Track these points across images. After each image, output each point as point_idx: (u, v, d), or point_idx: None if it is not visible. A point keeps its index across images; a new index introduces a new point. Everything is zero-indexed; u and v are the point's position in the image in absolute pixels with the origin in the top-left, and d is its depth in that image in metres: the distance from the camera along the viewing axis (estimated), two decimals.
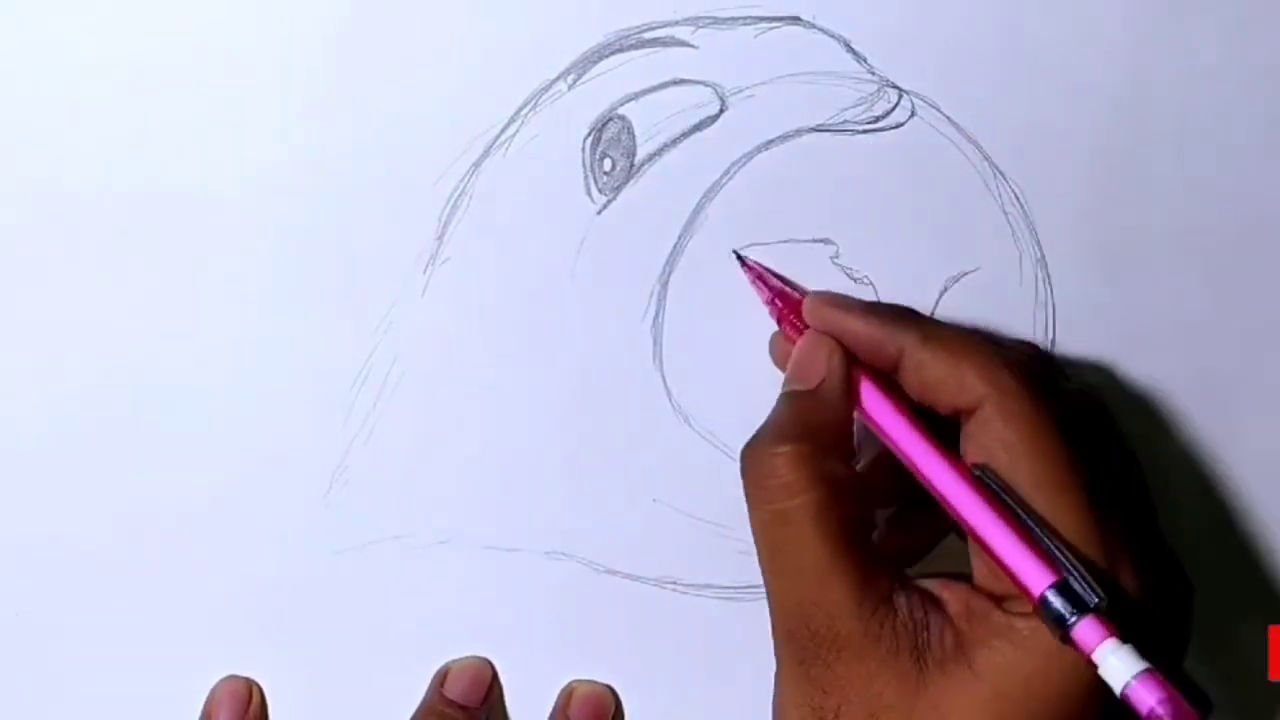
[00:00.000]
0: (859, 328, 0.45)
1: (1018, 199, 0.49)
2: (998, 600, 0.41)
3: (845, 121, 0.49)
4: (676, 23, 0.48)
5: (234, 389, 0.48)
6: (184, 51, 0.47)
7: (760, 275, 0.48)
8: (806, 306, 0.46)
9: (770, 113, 0.48)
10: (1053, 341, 0.49)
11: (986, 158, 0.49)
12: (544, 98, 0.48)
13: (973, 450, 0.42)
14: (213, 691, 0.49)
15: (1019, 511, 0.41)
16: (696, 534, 0.49)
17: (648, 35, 0.48)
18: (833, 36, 0.48)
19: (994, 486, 0.41)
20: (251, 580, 0.49)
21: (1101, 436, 0.46)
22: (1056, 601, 0.39)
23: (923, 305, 0.49)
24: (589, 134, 0.48)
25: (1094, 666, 0.38)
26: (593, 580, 0.49)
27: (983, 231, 0.49)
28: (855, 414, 0.45)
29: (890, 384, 0.45)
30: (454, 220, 0.48)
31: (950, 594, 0.42)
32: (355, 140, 0.48)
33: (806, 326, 0.46)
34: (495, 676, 0.50)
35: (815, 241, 0.49)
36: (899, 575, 0.43)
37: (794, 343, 0.46)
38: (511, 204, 0.48)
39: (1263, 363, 0.50)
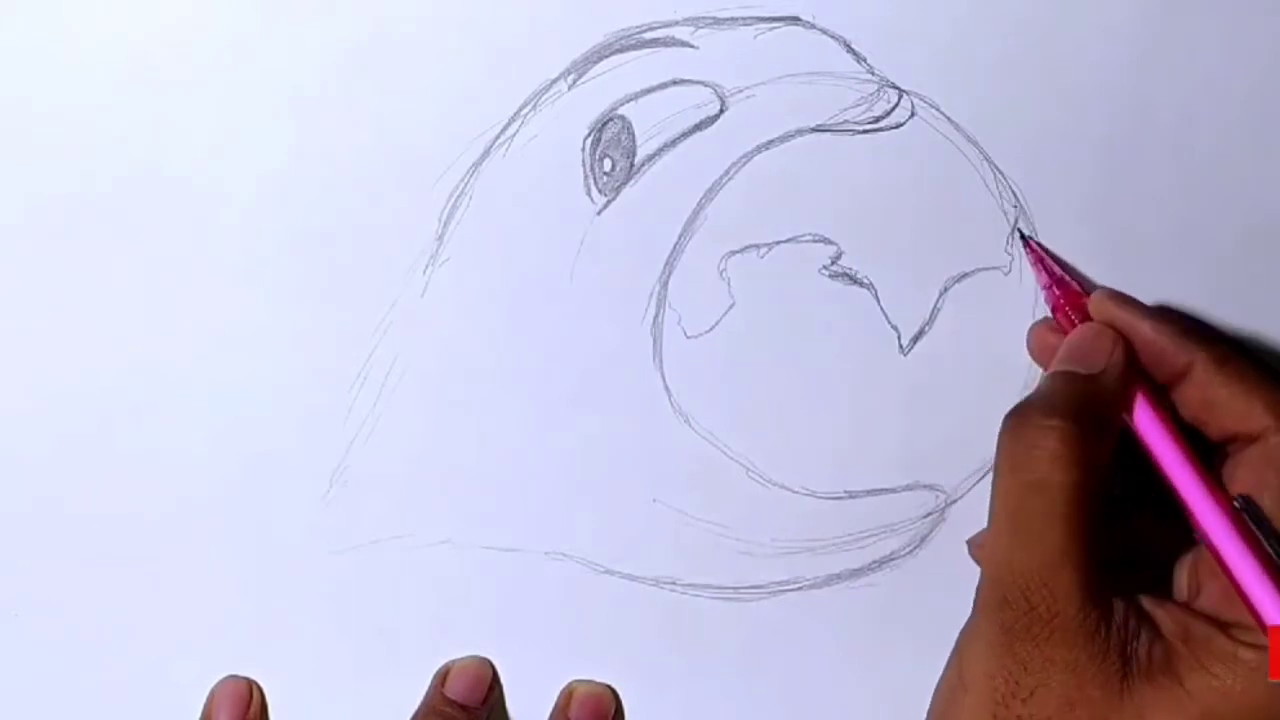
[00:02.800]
0: (1148, 332, 0.45)
1: (1018, 199, 0.49)
2: (1222, 626, 0.42)
3: (845, 122, 0.48)
4: (676, 23, 0.48)
5: (233, 389, 0.48)
6: (182, 52, 0.47)
7: (1042, 259, 0.48)
8: (1094, 300, 0.46)
9: (770, 113, 0.48)
10: None
11: (986, 158, 0.49)
12: (544, 98, 0.48)
13: (1242, 476, 0.43)
14: (213, 691, 0.49)
15: (1276, 544, 0.41)
16: (696, 534, 0.49)
17: (647, 35, 0.48)
18: (832, 37, 0.48)
19: (1254, 518, 0.42)
20: (251, 580, 0.49)
21: None
22: None
23: (923, 305, 0.49)
24: (589, 134, 0.48)
25: None
26: (592, 580, 0.49)
27: (983, 232, 0.49)
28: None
29: (1162, 398, 0.45)
30: (454, 220, 0.48)
31: (1166, 613, 0.42)
32: (355, 141, 0.48)
33: (1084, 319, 0.46)
34: (496, 676, 0.50)
35: (815, 241, 0.49)
36: (1120, 580, 0.43)
37: (1063, 333, 0.46)
38: (511, 204, 0.48)
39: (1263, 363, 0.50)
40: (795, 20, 0.48)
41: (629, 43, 0.48)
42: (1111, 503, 0.44)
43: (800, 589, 0.49)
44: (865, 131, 0.49)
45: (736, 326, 0.49)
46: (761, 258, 0.49)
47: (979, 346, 0.49)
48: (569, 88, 0.48)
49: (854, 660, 0.49)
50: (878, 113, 0.49)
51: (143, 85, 0.47)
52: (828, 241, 0.49)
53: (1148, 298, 0.49)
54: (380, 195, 0.48)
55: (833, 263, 0.49)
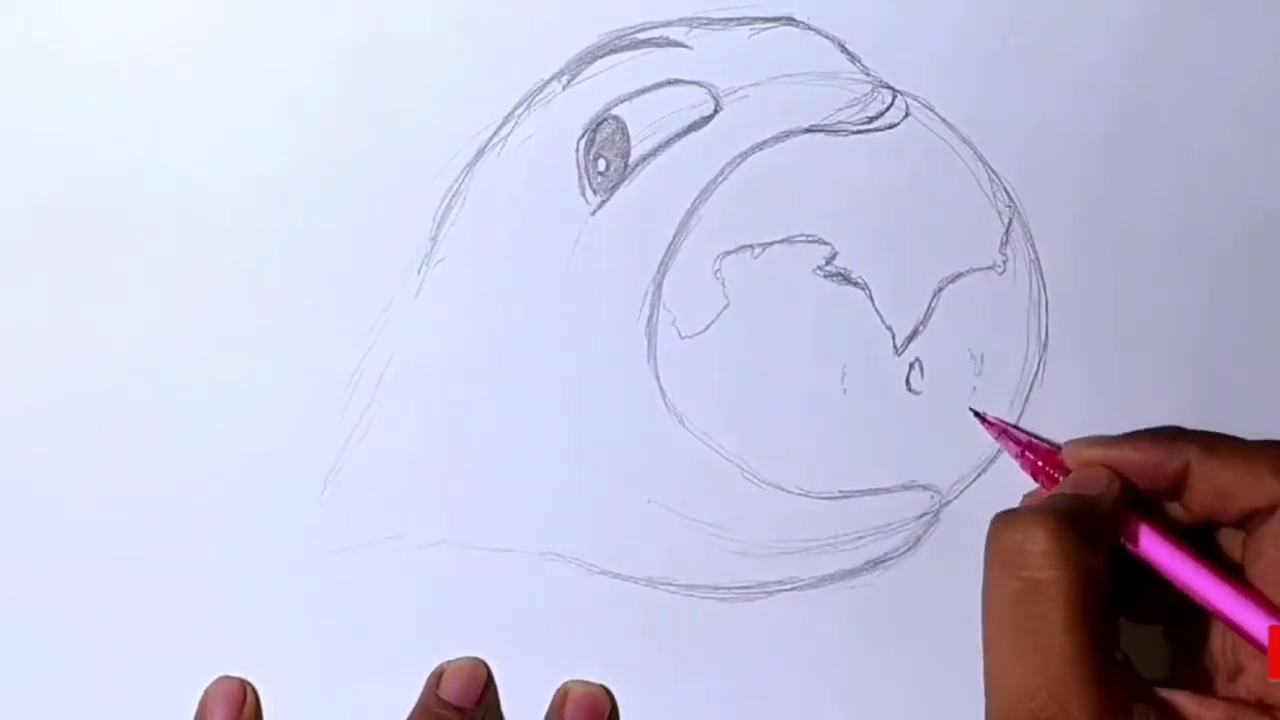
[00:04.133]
0: (1132, 453, 0.45)
1: (1012, 200, 0.49)
2: (1269, 710, 0.41)
3: (839, 122, 0.48)
4: (670, 23, 0.48)
5: (228, 389, 0.48)
6: (177, 53, 0.47)
7: (1006, 430, 0.48)
8: (1068, 451, 0.46)
9: (764, 113, 0.48)
10: (1046, 343, 0.49)
11: (981, 158, 0.49)
12: (538, 99, 0.48)
13: (1268, 549, 0.43)
14: (207, 691, 0.49)
15: None
16: (690, 534, 0.49)
17: (641, 36, 0.48)
18: (827, 37, 0.48)
19: None
20: (246, 580, 0.49)
21: None
22: None
23: (917, 306, 0.49)
24: (583, 135, 0.48)
25: None
26: (587, 581, 0.49)
27: (977, 232, 0.49)
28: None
29: (1164, 521, 0.45)
30: (448, 221, 0.48)
31: (1204, 709, 0.41)
32: (350, 141, 0.48)
33: (1065, 473, 0.46)
34: (490, 677, 0.50)
35: (810, 242, 0.49)
36: (1139, 683, 0.41)
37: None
38: (505, 205, 0.48)
39: (1260, 364, 0.50)
40: (790, 20, 0.48)
41: (623, 43, 0.48)
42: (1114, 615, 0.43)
43: (795, 589, 0.49)
44: (859, 132, 0.49)
45: (731, 327, 0.49)
46: (756, 258, 0.49)
47: (973, 346, 0.49)
48: (563, 88, 0.48)
49: (849, 660, 0.49)
50: (872, 113, 0.49)
51: (139, 85, 0.47)
52: (822, 242, 0.49)
53: (1144, 298, 0.50)
54: (374, 196, 0.48)
55: (827, 263, 0.49)
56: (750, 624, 0.50)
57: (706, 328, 0.49)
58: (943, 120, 0.49)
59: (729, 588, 0.50)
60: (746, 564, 0.49)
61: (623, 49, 0.48)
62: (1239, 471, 0.43)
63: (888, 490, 0.49)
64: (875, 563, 0.49)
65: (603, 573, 0.49)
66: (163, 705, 0.49)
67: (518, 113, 0.48)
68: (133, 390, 0.48)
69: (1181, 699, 0.41)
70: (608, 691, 0.50)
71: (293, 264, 0.48)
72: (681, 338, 0.49)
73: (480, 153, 0.48)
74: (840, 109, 0.48)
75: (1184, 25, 0.49)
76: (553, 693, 0.50)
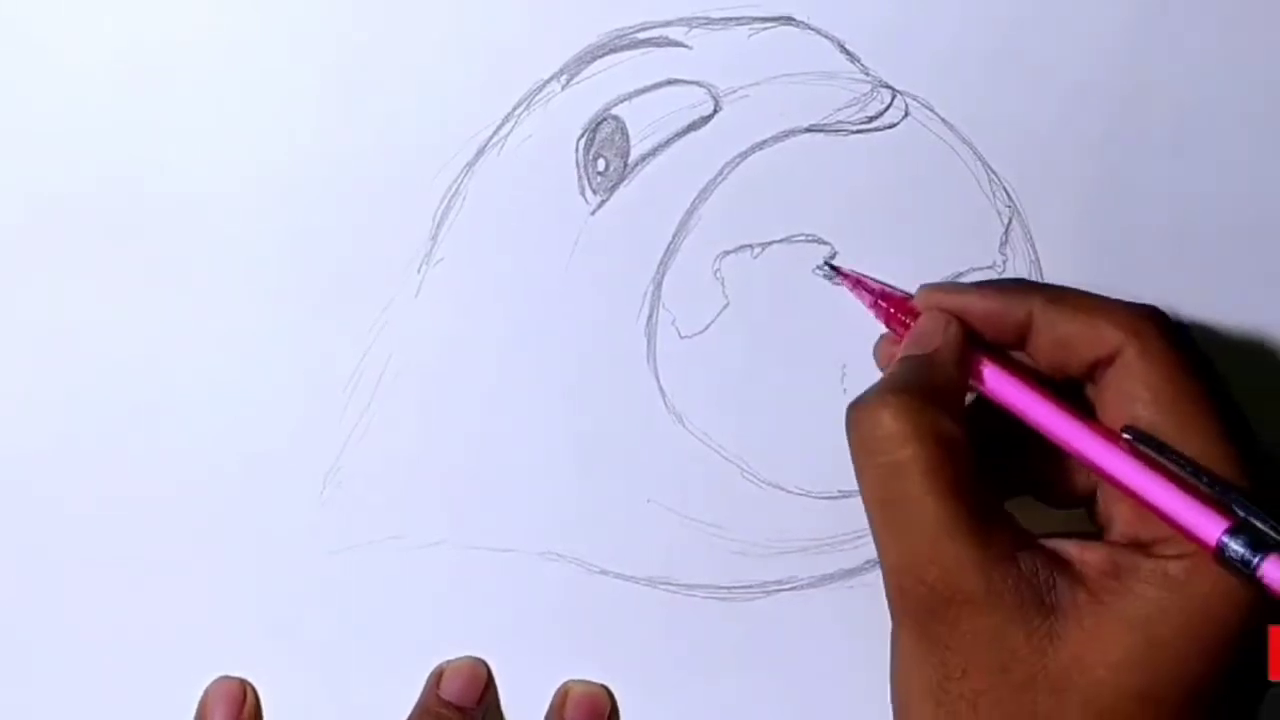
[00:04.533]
0: (978, 303, 0.44)
1: (1011, 200, 0.49)
2: (1142, 548, 0.41)
3: (839, 122, 0.48)
4: (670, 23, 0.48)
5: (228, 389, 0.48)
6: (175, 53, 0.47)
7: (860, 280, 0.48)
8: (919, 296, 0.46)
9: (764, 113, 0.48)
10: None
11: (980, 158, 0.49)
12: (537, 98, 0.48)
13: (1111, 400, 0.42)
14: (207, 692, 0.49)
15: (1175, 460, 0.41)
16: (690, 534, 0.49)
17: (641, 35, 0.48)
18: (826, 37, 0.48)
19: (1145, 441, 0.41)
20: (246, 581, 0.49)
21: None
22: (1237, 543, 0.39)
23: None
24: (582, 134, 0.48)
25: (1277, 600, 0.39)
26: (587, 580, 0.49)
27: (976, 232, 0.49)
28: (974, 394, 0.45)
29: (1012, 362, 0.45)
30: (448, 221, 0.48)
31: (1086, 552, 0.41)
32: (349, 141, 0.48)
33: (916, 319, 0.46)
34: (490, 677, 0.50)
35: (809, 242, 0.49)
36: (1021, 534, 0.42)
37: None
38: (505, 204, 0.48)
39: (1259, 364, 0.50)
40: (789, 20, 0.48)
41: (622, 43, 0.48)
42: (997, 470, 0.43)
43: (795, 589, 0.49)
44: (859, 131, 0.49)
45: (731, 327, 0.49)
46: (755, 258, 0.49)
47: None
48: (562, 88, 0.48)
49: (848, 660, 0.49)
50: (871, 113, 0.49)
51: (138, 85, 0.47)
52: (821, 241, 0.49)
53: (1142, 298, 0.49)
54: (374, 195, 0.48)
55: (826, 263, 0.49)
56: (750, 624, 0.50)
57: (706, 327, 0.49)
58: (942, 120, 0.49)
59: (729, 588, 0.50)
60: (746, 564, 0.49)
61: (622, 49, 0.48)
62: (1078, 323, 0.43)
63: None
64: (875, 562, 0.49)
65: (603, 573, 0.49)
66: (163, 705, 0.49)
67: (517, 112, 0.48)
68: (132, 390, 0.48)
69: (1063, 544, 0.42)
70: (608, 691, 0.50)
71: (292, 264, 0.48)
72: (681, 337, 0.49)
73: (480, 152, 0.48)
74: (840, 109, 0.48)
75: (1183, 25, 0.49)
76: (553, 693, 0.50)
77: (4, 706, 0.49)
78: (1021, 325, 0.44)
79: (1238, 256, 0.50)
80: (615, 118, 0.48)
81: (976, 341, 0.45)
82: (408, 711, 0.49)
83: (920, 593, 0.41)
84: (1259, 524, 0.39)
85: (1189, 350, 0.43)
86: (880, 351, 0.48)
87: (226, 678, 0.49)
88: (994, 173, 0.49)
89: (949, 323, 0.45)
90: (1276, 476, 0.43)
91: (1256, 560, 0.39)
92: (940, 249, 0.49)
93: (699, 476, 0.49)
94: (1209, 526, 0.40)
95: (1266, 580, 0.39)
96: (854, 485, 0.49)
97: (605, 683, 0.50)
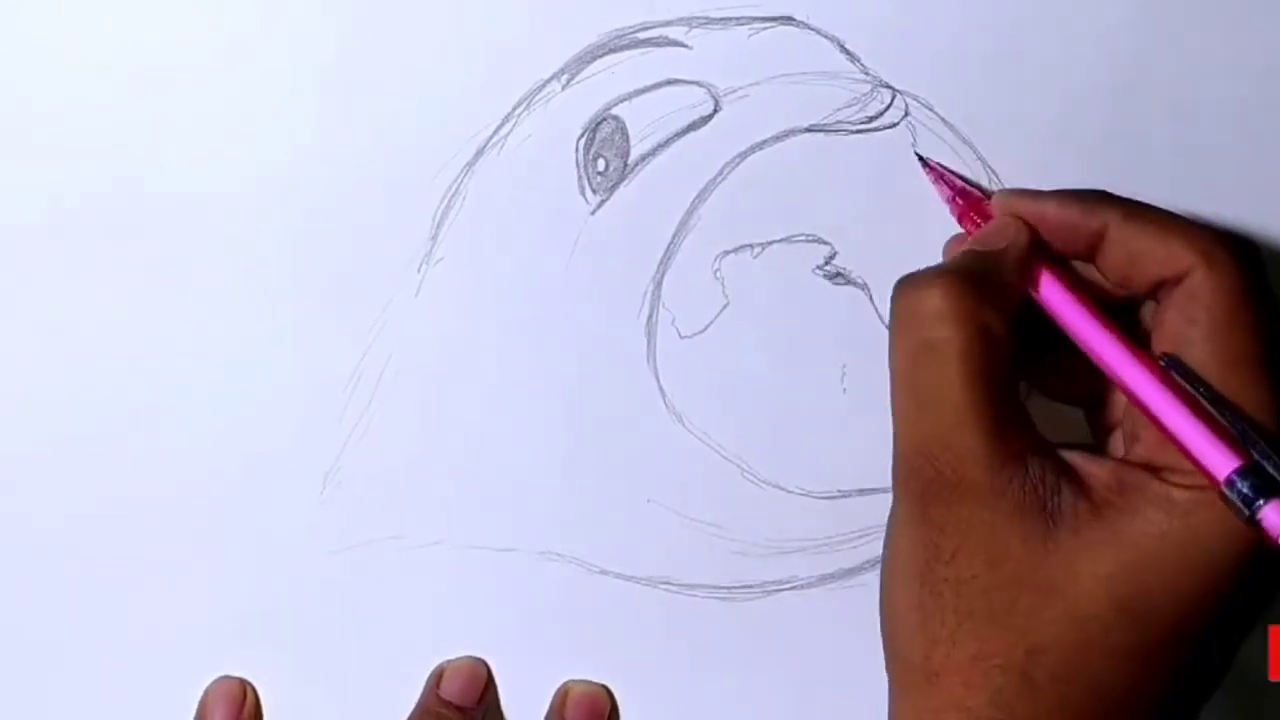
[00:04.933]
0: (1054, 209, 0.44)
1: None
2: (1154, 471, 0.41)
3: (839, 122, 0.48)
4: (670, 23, 0.48)
5: (227, 389, 0.48)
6: (174, 53, 0.47)
7: (942, 175, 0.48)
8: (997, 197, 0.46)
9: (764, 113, 0.48)
10: None
11: (980, 159, 0.49)
12: (537, 98, 0.48)
13: (1171, 318, 0.42)
14: (206, 692, 0.49)
15: (1206, 392, 0.41)
16: (690, 534, 0.49)
17: (641, 35, 0.48)
18: (826, 37, 0.48)
19: (1180, 369, 0.41)
20: (246, 581, 0.49)
21: None
22: (1243, 484, 0.39)
23: None
24: (582, 134, 0.48)
25: (1275, 546, 0.39)
26: (587, 580, 0.49)
27: None
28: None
29: (1072, 275, 0.44)
30: (448, 220, 0.48)
31: (1096, 466, 0.42)
32: (349, 141, 0.48)
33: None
34: (490, 677, 0.50)
35: (809, 241, 0.49)
36: (1036, 439, 0.42)
37: None
38: (505, 204, 0.48)
39: None
40: (789, 20, 0.48)
41: (622, 43, 0.48)
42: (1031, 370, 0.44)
43: (794, 589, 0.49)
44: (859, 131, 0.49)
45: (730, 326, 0.49)
46: (755, 258, 0.49)
47: None
48: (562, 88, 0.48)
49: (848, 659, 0.49)
50: (871, 113, 0.49)
51: (137, 85, 0.47)
52: (821, 241, 0.49)
53: None
54: (374, 195, 0.48)
55: (827, 262, 0.49)
56: (750, 623, 0.50)
57: (706, 327, 0.49)
58: (942, 120, 0.49)
59: (729, 587, 0.50)
60: (746, 563, 0.49)
61: (622, 48, 0.48)
62: (1152, 239, 0.42)
63: (887, 490, 0.49)
64: (874, 562, 0.49)
65: (602, 572, 0.49)
66: (162, 705, 0.49)
67: (517, 112, 0.48)
68: (132, 390, 0.48)
69: (1075, 456, 0.42)
70: (608, 691, 0.50)
71: (292, 264, 0.48)
72: (681, 337, 0.49)
73: (480, 152, 0.48)
74: (839, 109, 0.48)
75: (1183, 25, 0.49)
76: (553, 693, 0.50)
77: (4, 706, 0.49)
78: (1095, 236, 0.44)
79: None
80: (615, 117, 0.48)
81: (1044, 252, 0.44)
82: (408, 711, 0.49)
83: (928, 473, 0.41)
84: (1270, 468, 0.39)
85: (1257, 284, 0.42)
86: (947, 249, 0.47)
87: (226, 678, 0.49)
88: (994, 173, 0.49)
89: (1019, 229, 0.44)
90: None
91: (1260, 503, 0.39)
92: (940, 249, 0.49)
93: (699, 476, 0.49)
94: (1221, 462, 0.40)
95: (1265, 524, 0.39)
96: (853, 485, 0.49)
97: (605, 683, 0.50)
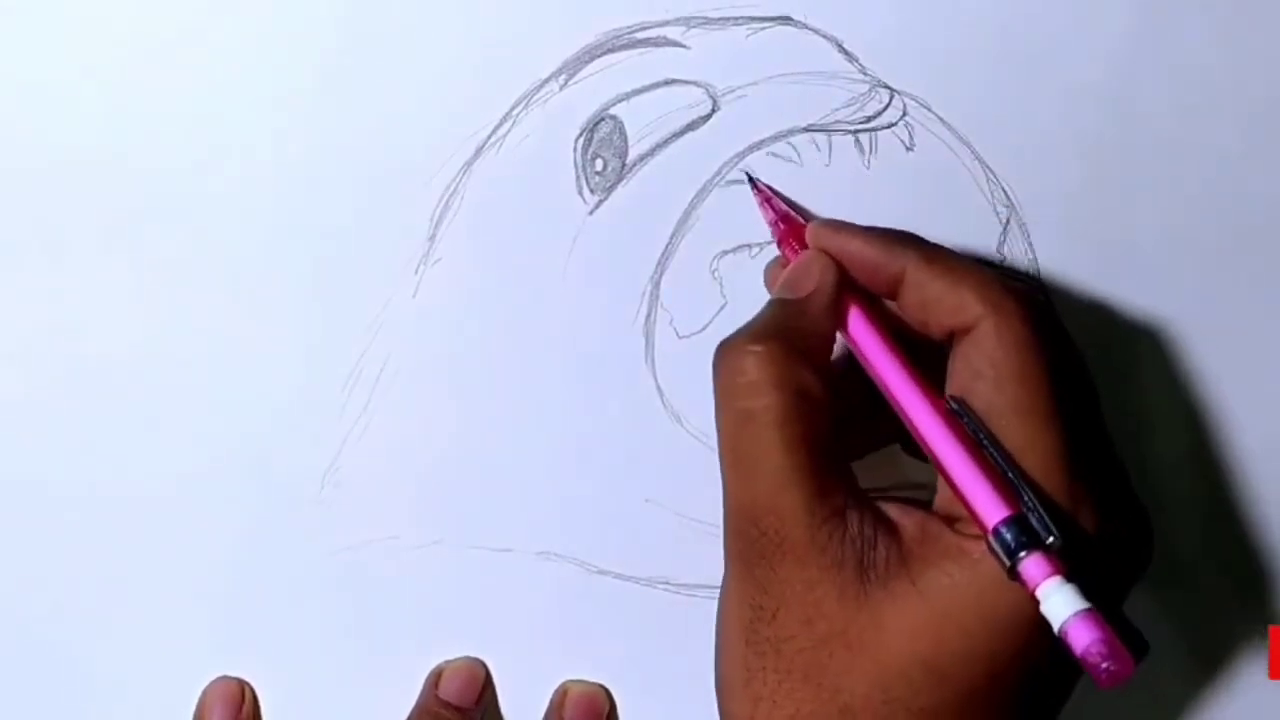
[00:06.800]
0: (859, 248, 0.44)
1: (1010, 199, 0.49)
2: (949, 522, 0.41)
3: (837, 121, 0.48)
4: (668, 23, 0.48)
5: (225, 389, 0.48)
6: (173, 51, 0.47)
7: (768, 198, 0.48)
8: (811, 229, 0.46)
9: (762, 113, 0.48)
10: None
11: (979, 158, 0.49)
12: (535, 98, 0.48)
13: (959, 368, 0.42)
14: (205, 692, 0.49)
15: (987, 441, 0.41)
16: (689, 534, 0.49)
17: (639, 35, 0.48)
18: (824, 37, 0.48)
19: (966, 416, 0.41)
20: (244, 581, 0.49)
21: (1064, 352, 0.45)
22: (1008, 534, 0.39)
23: None
24: (580, 134, 0.48)
25: (1037, 602, 0.38)
26: (585, 580, 0.49)
27: (974, 231, 0.49)
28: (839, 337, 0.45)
29: (879, 310, 0.44)
30: (445, 221, 0.48)
31: (906, 517, 0.42)
32: (347, 141, 0.48)
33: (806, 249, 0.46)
34: (489, 677, 0.50)
35: None
36: (855, 492, 0.42)
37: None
38: (503, 204, 0.48)
39: (1256, 363, 0.50)
40: (787, 20, 0.48)
41: (621, 43, 0.48)
42: (856, 418, 0.44)
43: None
44: (857, 131, 0.49)
45: (729, 326, 0.48)
46: (753, 258, 0.49)
47: None
48: (560, 88, 0.48)
49: None
50: (870, 112, 0.49)
51: (136, 85, 0.47)
52: None
53: (1141, 297, 0.49)
54: (372, 195, 0.48)
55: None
56: None
57: (704, 327, 0.49)
58: (940, 120, 0.49)
59: None
60: None
61: (620, 48, 0.48)
62: (945, 287, 0.43)
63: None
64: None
65: (601, 572, 0.50)
66: (161, 705, 0.49)
67: (515, 112, 0.48)
68: (131, 390, 0.48)
69: (891, 507, 0.42)
70: (606, 691, 0.50)
71: (290, 263, 0.48)
72: (679, 337, 0.49)
73: (478, 152, 0.48)
74: (838, 108, 0.48)
75: (1181, 25, 0.49)
76: (551, 693, 0.50)
77: (4, 706, 0.49)
78: (895, 279, 0.44)
79: (1236, 256, 0.50)
80: (613, 117, 0.48)
81: (854, 288, 0.44)
82: (406, 712, 0.49)
83: (752, 535, 0.42)
84: (1033, 520, 0.39)
85: (1047, 334, 0.42)
86: (768, 274, 0.48)
87: (225, 678, 0.49)
88: (992, 172, 0.49)
89: (825, 268, 0.44)
90: (1121, 481, 0.44)
91: (1021, 555, 0.38)
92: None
93: (697, 476, 0.49)
94: (992, 510, 0.39)
95: (1024, 576, 0.38)
96: None
97: (604, 682, 0.50)
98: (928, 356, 0.44)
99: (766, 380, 0.41)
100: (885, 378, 0.43)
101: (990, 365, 0.41)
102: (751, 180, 0.48)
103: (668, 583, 0.50)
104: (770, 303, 0.45)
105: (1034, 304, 0.43)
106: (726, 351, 0.43)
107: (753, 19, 0.48)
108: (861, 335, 0.44)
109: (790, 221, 0.47)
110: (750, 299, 0.49)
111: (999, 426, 0.41)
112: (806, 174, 0.49)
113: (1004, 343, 0.41)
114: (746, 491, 0.42)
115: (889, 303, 0.45)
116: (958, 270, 0.43)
